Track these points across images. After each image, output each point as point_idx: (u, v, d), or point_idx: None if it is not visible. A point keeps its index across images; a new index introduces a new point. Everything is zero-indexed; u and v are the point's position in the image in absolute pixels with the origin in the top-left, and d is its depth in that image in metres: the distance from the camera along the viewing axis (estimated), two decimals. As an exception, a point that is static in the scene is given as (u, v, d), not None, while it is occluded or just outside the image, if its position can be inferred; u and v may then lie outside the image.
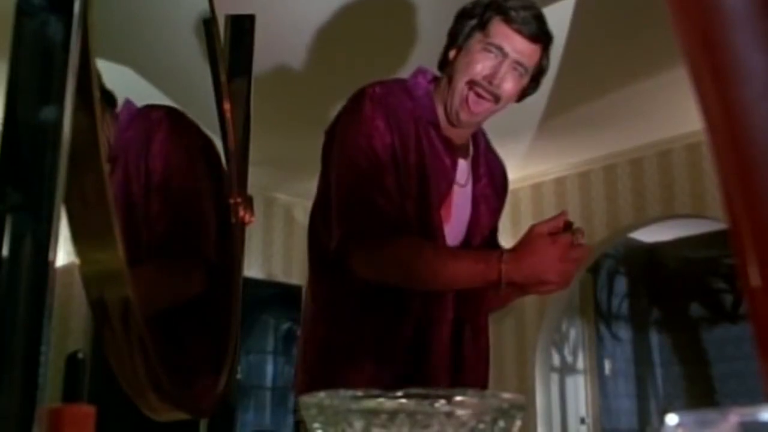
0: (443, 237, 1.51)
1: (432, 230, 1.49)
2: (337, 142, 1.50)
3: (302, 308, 1.66)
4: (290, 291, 5.41)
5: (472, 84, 1.47)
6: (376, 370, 1.45)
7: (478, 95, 1.47)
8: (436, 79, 1.57)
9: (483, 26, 1.48)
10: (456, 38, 1.51)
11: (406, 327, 1.49)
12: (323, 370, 1.50)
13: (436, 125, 1.52)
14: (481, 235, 1.61)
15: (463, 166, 1.57)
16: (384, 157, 1.44)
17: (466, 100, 1.47)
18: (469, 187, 1.59)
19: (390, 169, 1.45)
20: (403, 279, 1.45)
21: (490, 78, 1.46)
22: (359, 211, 1.44)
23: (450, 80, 1.50)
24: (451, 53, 1.52)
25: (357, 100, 1.49)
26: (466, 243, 1.58)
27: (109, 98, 0.83)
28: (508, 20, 1.46)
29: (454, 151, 1.55)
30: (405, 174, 1.46)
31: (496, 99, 1.47)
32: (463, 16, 1.52)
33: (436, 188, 1.49)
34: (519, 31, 1.45)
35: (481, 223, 1.61)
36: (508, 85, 1.47)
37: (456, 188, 1.55)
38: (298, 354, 1.62)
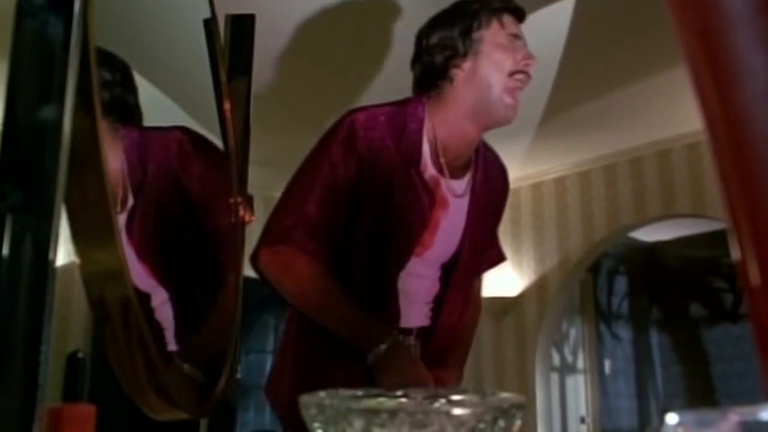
0: (400, 265, 1.50)
1: (397, 261, 1.50)
2: (309, 154, 1.54)
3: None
4: (290, 291, 5.40)
5: (512, 74, 1.51)
6: (347, 374, 1.46)
7: (519, 81, 1.52)
8: (431, 100, 1.56)
9: (498, 21, 1.54)
10: (466, 49, 1.52)
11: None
12: (298, 374, 1.51)
13: (416, 164, 1.51)
14: (474, 247, 1.60)
15: (459, 183, 1.57)
16: (337, 185, 1.47)
17: (511, 91, 1.51)
18: (466, 199, 1.58)
19: (337, 197, 1.47)
20: (292, 295, 1.49)
21: (528, 59, 1.52)
22: (283, 212, 1.49)
23: (484, 83, 1.51)
24: (466, 64, 1.52)
25: (340, 124, 1.51)
26: (456, 256, 1.57)
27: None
28: (506, 10, 1.56)
29: (453, 173, 1.55)
30: (364, 211, 1.47)
31: (529, 78, 1.53)
32: (453, 30, 1.54)
33: (407, 225, 1.50)
34: (516, 15, 1.57)
35: (477, 234, 1.60)
36: (533, 61, 1.54)
37: (452, 200, 1.55)
38: (275, 356, 1.64)
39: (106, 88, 0.86)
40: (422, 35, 1.59)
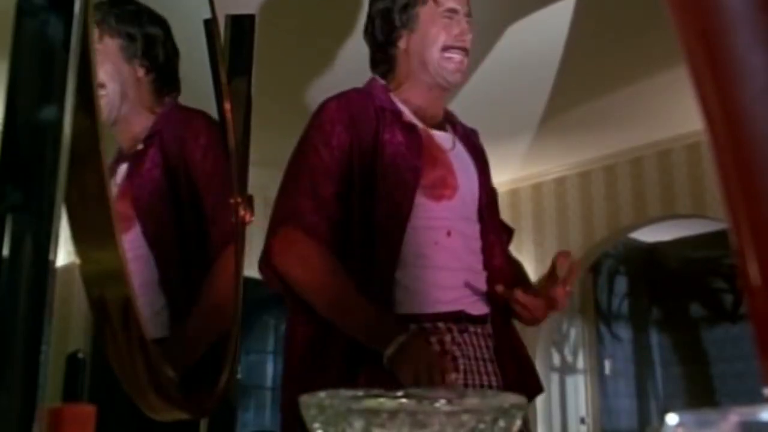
0: (402, 220, 1.47)
1: (401, 217, 1.47)
2: (297, 144, 1.56)
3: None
4: (290, 291, 5.40)
5: (445, 48, 1.58)
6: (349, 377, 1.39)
7: (452, 54, 1.58)
8: (386, 79, 1.65)
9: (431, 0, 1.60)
10: (403, 25, 1.61)
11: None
12: (300, 375, 1.46)
13: (398, 112, 1.56)
14: (489, 196, 1.63)
15: (443, 135, 1.61)
16: (333, 163, 1.48)
17: (445, 63, 1.58)
18: (460, 147, 1.61)
19: (334, 176, 1.48)
20: (303, 286, 1.45)
21: (461, 36, 1.59)
22: (288, 201, 1.48)
23: (419, 59, 1.59)
24: (402, 41, 1.61)
25: (319, 109, 1.57)
26: (480, 206, 1.58)
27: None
28: None
29: (431, 127, 1.60)
30: (359, 179, 1.48)
31: (466, 52, 1.60)
32: (393, 8, 1.62)
33: (402, 180, 1.49)
34: None
35: (485, 184, 1.63)
36: (470, 35, 1.61)
37: (450, 154, 1.58)
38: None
39: (158, 44, 0.91)
40: (370, 7, 1.68)
